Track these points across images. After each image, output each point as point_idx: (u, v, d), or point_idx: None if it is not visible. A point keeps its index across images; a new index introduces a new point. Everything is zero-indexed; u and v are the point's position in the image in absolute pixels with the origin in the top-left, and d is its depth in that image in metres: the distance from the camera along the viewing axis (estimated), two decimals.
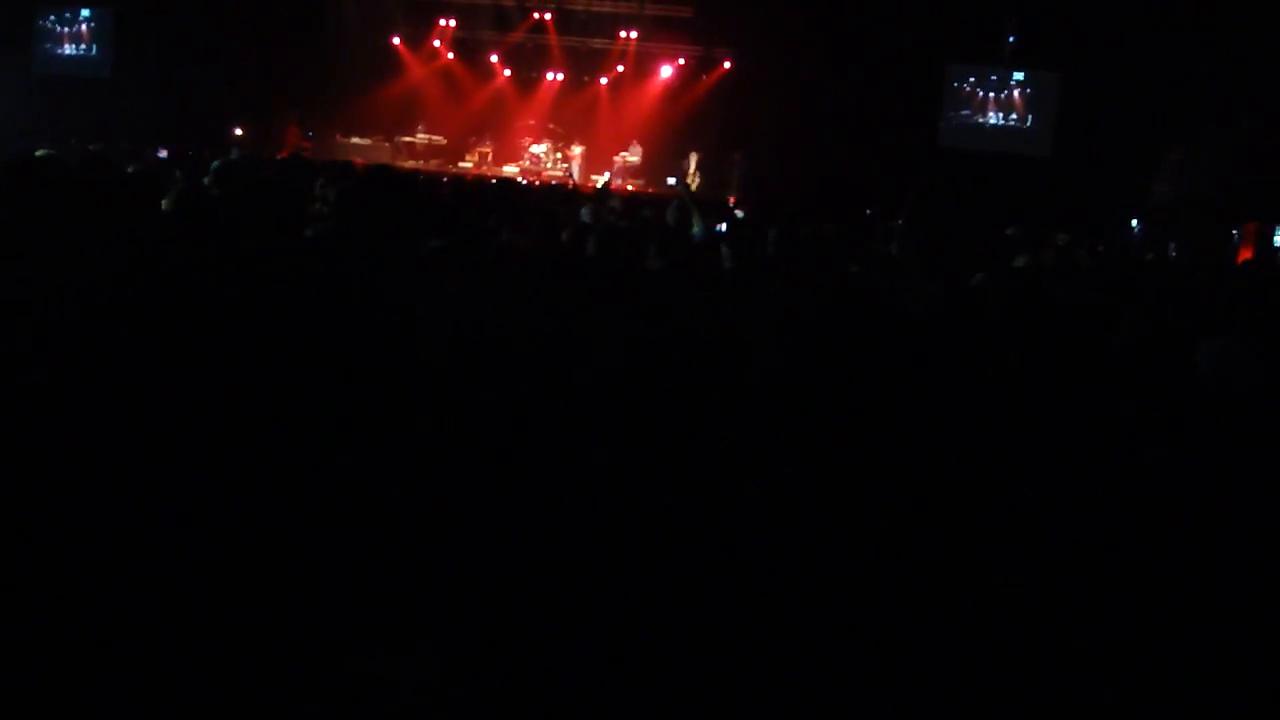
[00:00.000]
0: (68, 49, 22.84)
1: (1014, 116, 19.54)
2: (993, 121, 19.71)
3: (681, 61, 21.81)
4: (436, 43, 22.77)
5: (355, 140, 21.58)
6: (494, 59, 22.75)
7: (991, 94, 19.71)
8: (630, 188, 19.60)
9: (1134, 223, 16.96)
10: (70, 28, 22.79)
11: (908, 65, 18.49)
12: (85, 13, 22.69)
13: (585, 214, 7.75)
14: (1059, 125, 18.93)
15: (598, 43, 22.15)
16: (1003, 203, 16.53)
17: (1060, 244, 11.58)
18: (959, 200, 15.96)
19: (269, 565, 2.85)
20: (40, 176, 4.53)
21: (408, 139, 22.28)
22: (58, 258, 3.72)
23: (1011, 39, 19.24)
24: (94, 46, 22.69)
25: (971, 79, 19.76)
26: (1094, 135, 17.23)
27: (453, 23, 22.47)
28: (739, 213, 11.65)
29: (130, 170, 6.13)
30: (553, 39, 22.16)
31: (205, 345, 3.31)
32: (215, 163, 7.39)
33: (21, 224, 4.01)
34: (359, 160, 18.49)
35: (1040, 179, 17.98)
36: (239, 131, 19.73)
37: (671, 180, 18.18)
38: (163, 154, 12.40)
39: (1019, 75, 19.47)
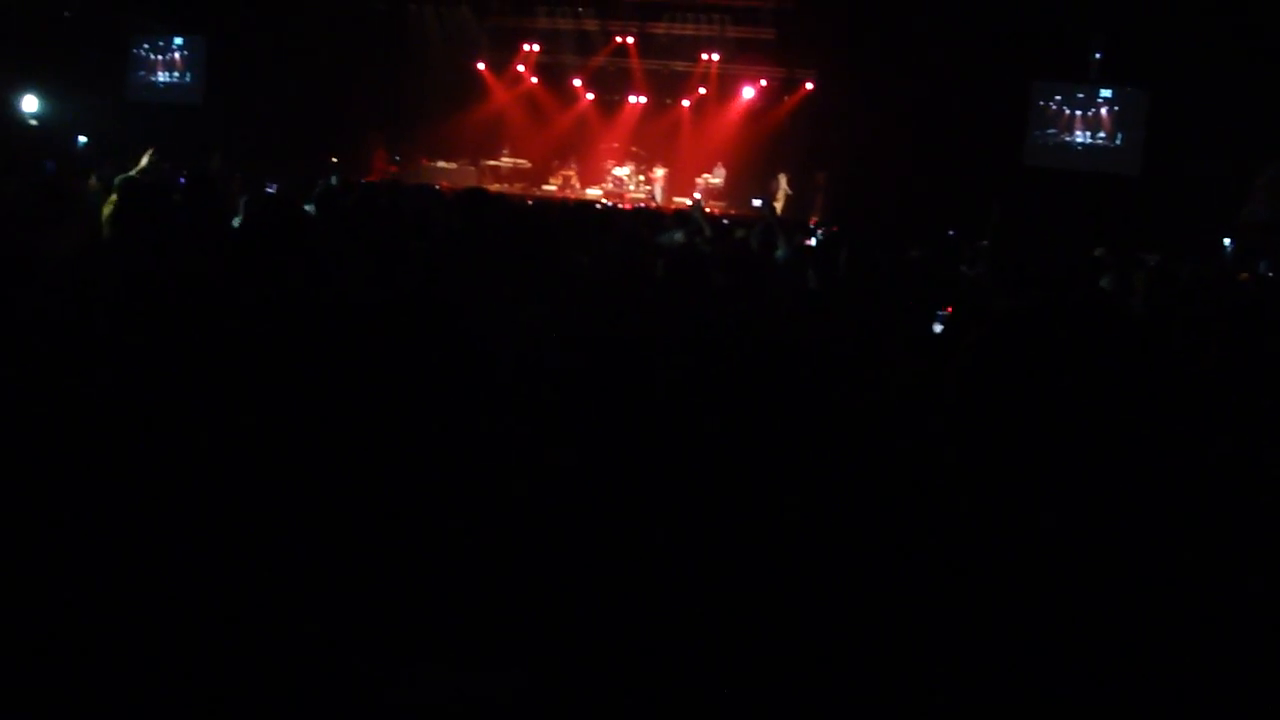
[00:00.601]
0: (161, 76, 23.50)
1: (1102, 134, 19.27)
2: (1080, 140, 19.45)
3: (764, 83, 21.86)
4: (520, 67, 23.06)
5: (441, 164, 21.89)
6: (577, 83, 22.97)
7: (1078, 112, 19.45)
8: (712, 209, 19.65)
9: (1226, 242, 16.60)
10: (164, 55, 23.45)
11: (992, 83, 18.33)
12: (178, 41, 23.32)
13: (677, 237, 7.75)
14: (1148, 143, 18.64)
15: (680, 65, 22.26)
16: (1090, 222, 16.33)
17: (1151, 264, 11.41)
18: (1044, 221, 15.84)
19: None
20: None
21: (492, 162, 22.56)
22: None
23: (1098, 55, 18.99)
24: (187, 74, 23.31)
25: (1058, 97, 19.53)
26: (1184, 153, 16.91)
27: (536, 47, 22.74)
28: (819, 233, 11.63)
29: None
30: (635, 62, 22.31)
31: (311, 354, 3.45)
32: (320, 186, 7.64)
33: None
34: (445, 184, 18.80)
35: (1129, 198, 17.71)
36: (335, 159, 20.10)
37: (757, 202, 18.18)
38: (272, 188, 12.73)
39: (1106, 93, 19.21)
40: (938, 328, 4.98)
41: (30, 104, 20.39)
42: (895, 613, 2.91)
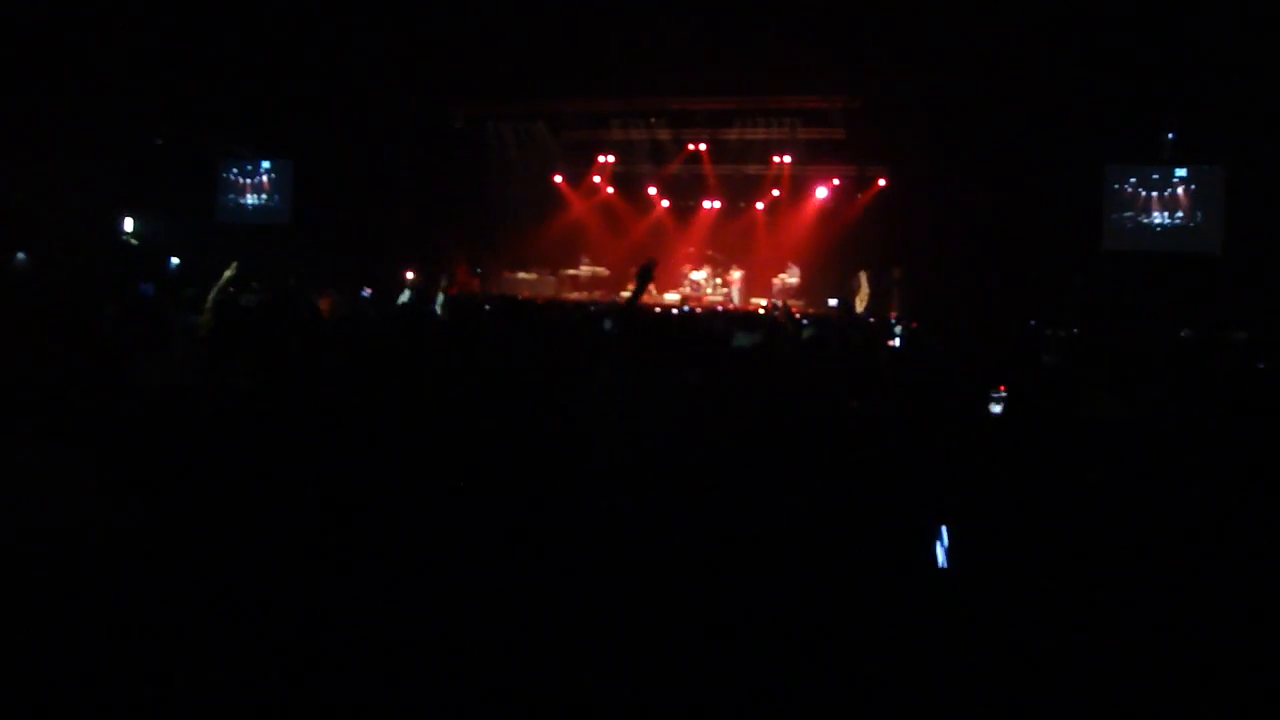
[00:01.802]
0: (249, 199, 24.37)
1: (1180, 214, 19.16)
2: (1158, 221, 19.34)
3: (836, 182, 22.07)
4: (596, 178, 23.53)
5: (522, 275, 22.27)
6: (652, 190, 23.38)
7: (1155, 193, 19.38)
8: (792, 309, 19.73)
9: None
10: (252, 179, 24.34)
11: (1066, 169, 18.36)
12: (265, 164, 24.19)
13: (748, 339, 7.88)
14: (1228, 220, 18.49)
15: (752, 169, 22.53)
16: (1174, 303, 16.19)
17: (1238, 341, 11.31)
18: (1128, 304, 15.73)
19: None
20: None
21: (571, 271, 22.90)
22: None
23: (1171, 135, 18.95)
24: (275, 196, 24.16)
25: (1133, 179, 19.47)
26: (1265, 228, 16.75)
27: (611, 158, 23.20)
28: (899, 329, 11.68)
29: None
30: (708, 168, 22.63)
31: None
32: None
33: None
34: (526, 294, 19.13)
35: (1212, 277, 17.54)
36: (410, 275, 20.55)
37: (833, 301, 18.27)
38: (366, 292, 13.34)
39: (1181, 172, 19.13)
40: (996, 408, 5.09)
41: (127, 226, 21.25)
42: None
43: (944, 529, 4.82)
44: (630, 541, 3.72)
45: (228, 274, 8.76)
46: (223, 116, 21.94)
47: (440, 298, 11.10)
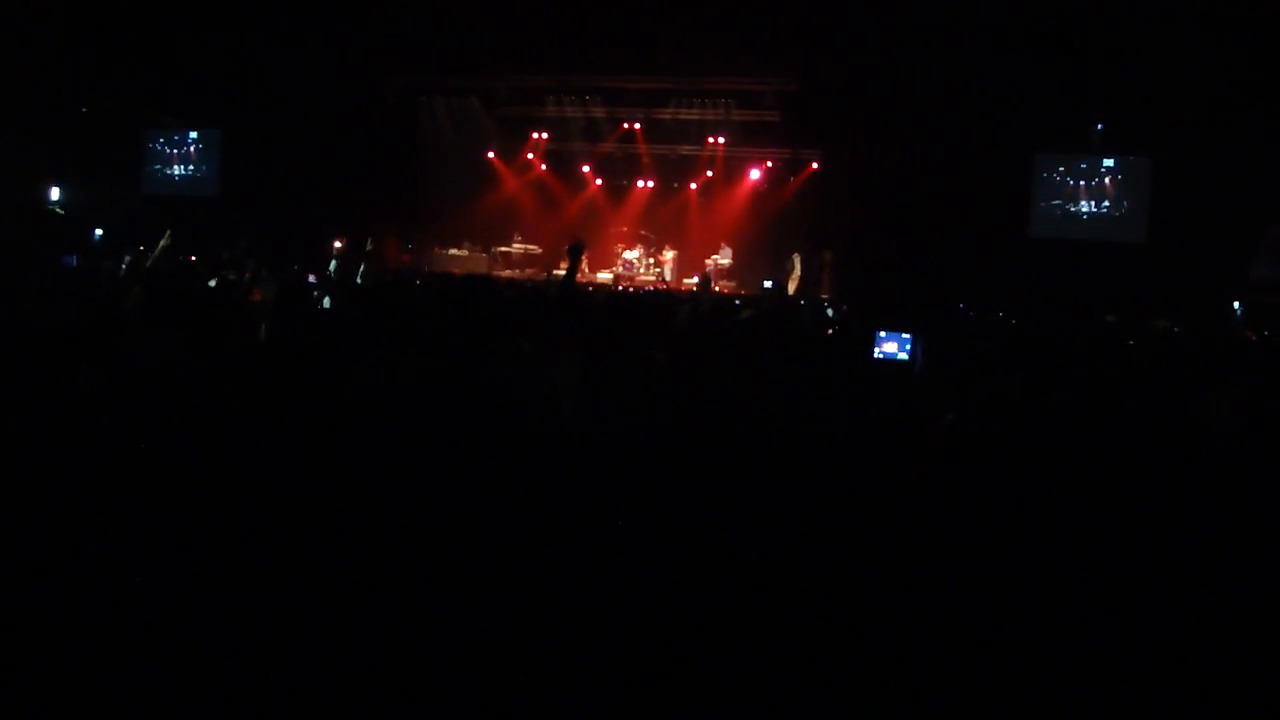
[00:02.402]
0: (176, 169, 23.93)
1: (1106, 203, 19.45)
2: (1085, 209, 19.62)
3: (770, 164, 22.13)
4: (530, 155, 23.38)
5: (453, 251, 22.08)
6: (586, 169, 23.29)
7: (1082, 182, 19.66)
8: (721, 288, 19.77)
9: (1235, 305, 16.68)
10: (179, 149, 23.89)
11: (996, 157, 18.56)
12: (193, 134, 23.77)
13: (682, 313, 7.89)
14: (1153, 210, 18.79)
15: (686, 149, 22.52)
16: (1100, 290, 16.43)
17: (1161, 329, 11.51)
18: (1054, 291, 15.95)
19: None
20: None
21: (504, 249, 22.77)
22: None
23: (1100, 126, 19.22)
24: (202, 166, 23.75)
25: (1061, 168, 19.74)
26: (1189, 218, 17.04)
27: (545, 135, 23.07)
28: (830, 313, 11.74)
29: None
30: (642, 148, 22.59)
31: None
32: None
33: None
34: (456, 270, 18.99)
35: (1137, 265, 17.82)
36: (338, 244, 20.35)
37: (768, 283, 18.33)
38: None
39: (1109, 162, 19.42)
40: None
41: (54, 194, 20.84)
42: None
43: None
44: (608, 531, 3.70)
45: (163, 243, 8.62)
46: (149, 85, 21.53)
47: (362, 267, 10.92)
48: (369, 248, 13.58)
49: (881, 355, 6.21)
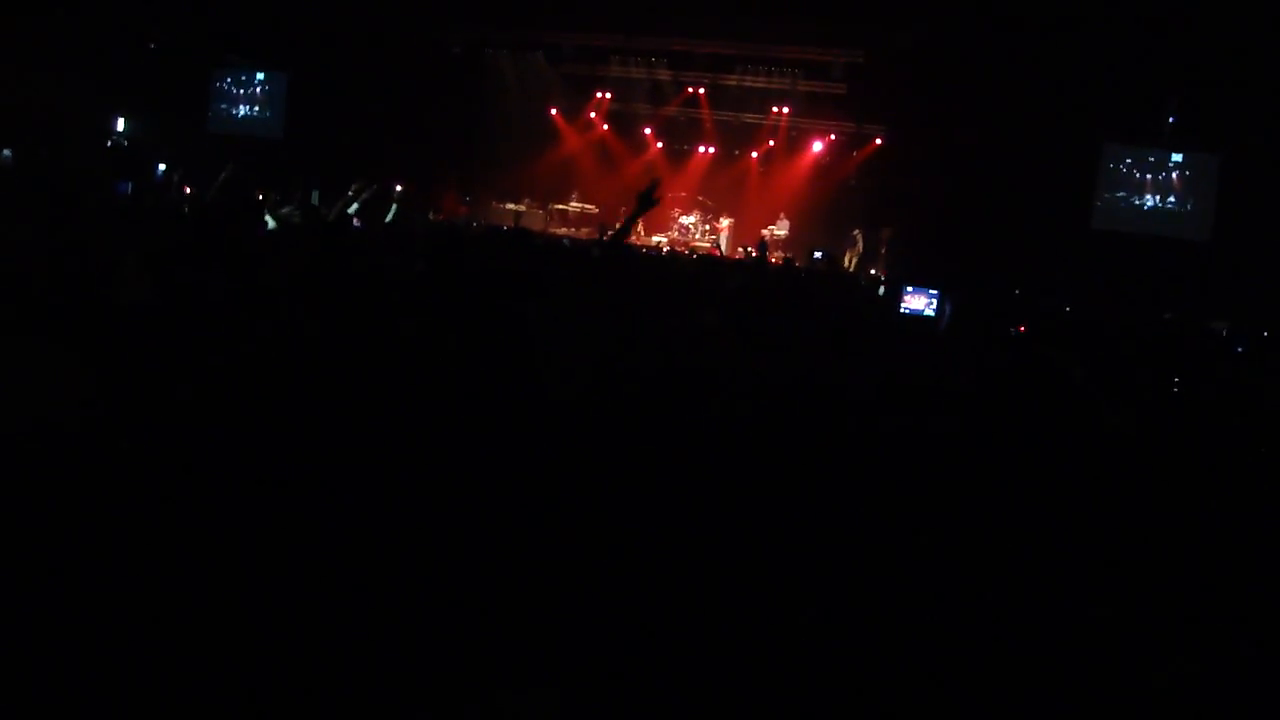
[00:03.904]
0: (243, 110, 24.10)
1: (1172, 199, 19.11)
2: (1150, 204, 19.30)
3: (832, 137, 21.94)
4: (592, 114, 23.32)
5: (511, 206, 22.11)
6: (647, 131, 23.21)
7: (1149, 175, 19.30)
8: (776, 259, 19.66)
9: None
10: (246, 90, 24.05)
11: (1064, 143, 18.29)
12: (260, 76, 23.91)
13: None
14: (1219, 208, 18.46)
15: (750, 117, 22.37)
16: (1159, 287, 16.21)
17: (1219, 330, 11.38)
18: (1113, 284, 15.74)
19: None
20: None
21: (561, 206, 22.74)
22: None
23: (1171, 119, 18.87)
24: (268, 109, 23.89)
25: (1129, 160, 19.41)
26: (1256, 219, 16.74)
27: (609, 95, 23.01)
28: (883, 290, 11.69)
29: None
30: (705, 113, 22.48)
31: None
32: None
33: None
34: (508, 225, 19.04)
35: (1199, 263, 17.54)
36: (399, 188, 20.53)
37: (818, 254, 18.20)
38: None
39: (1177, 157, 19.06)
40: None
41: (119, 127, 21.12)
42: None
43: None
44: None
45: (224, 175, 8.69)
46: (217, 25, 21.68)
47: (394, 208, 10.93)
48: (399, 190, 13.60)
49: (907, 310, 6.18)
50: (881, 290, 11.17)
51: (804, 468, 4.03)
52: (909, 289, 6.07)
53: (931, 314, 5.55)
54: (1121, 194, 19.40)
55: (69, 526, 2.94)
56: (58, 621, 2.71)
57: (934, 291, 5.72)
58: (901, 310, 6.20)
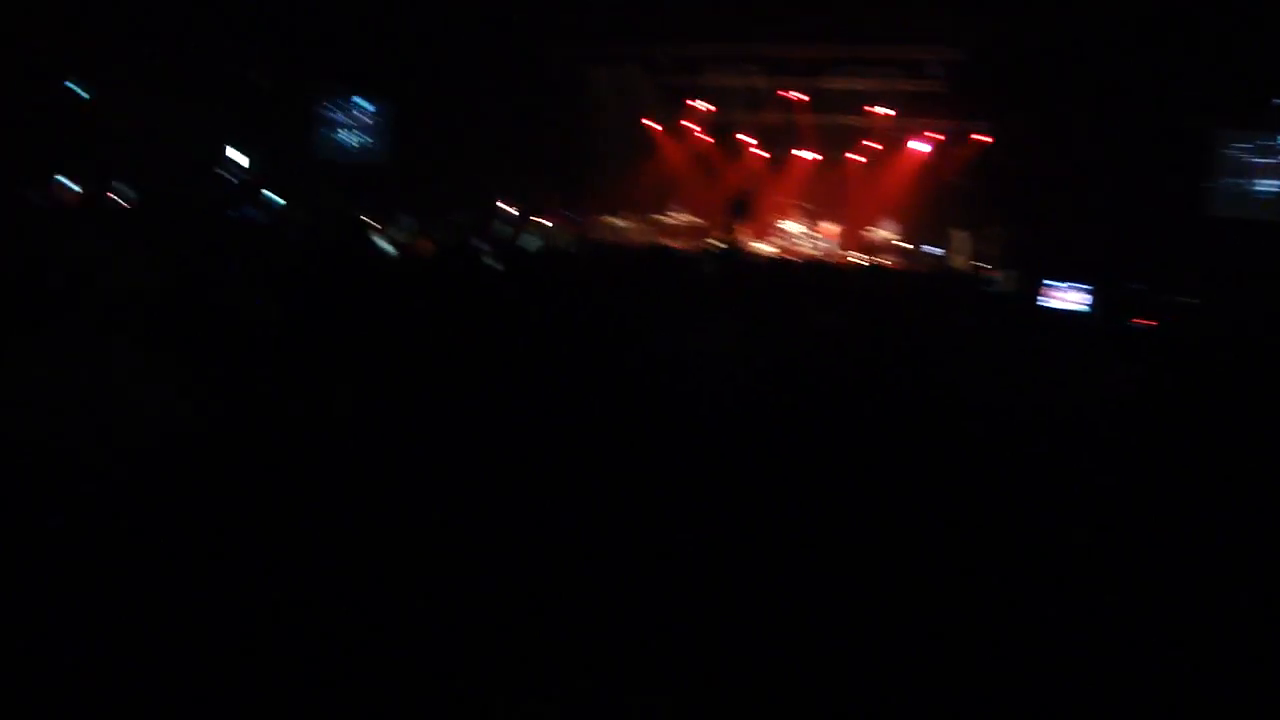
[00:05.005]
0: (348, 138, 24.63)
1: None
2: (1264, 188, 18.86)
3: (935, 136, 21.72)
4: (690, 124, 23.38)
5: (613, 220, 22.23)
6: (746, 139, 23.19)
7: (1262, 159, 18.87)
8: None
9: None
10: (351, 118, 24.65)
11: (1174, 131, 17.95)
12: (364, 104, 24.48)
13: None
14: None
15: (849, 120, 22.22)
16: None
17: None
18: (1234, 270, 15.41)
19: None
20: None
21: (664, 217, 22.81)
22: None
23: (1276, 101, 18.43)
24: (373, 135, 24.40)
25: (1241, 145, 18.99)
26: None
27: (706, 104, 23.04)
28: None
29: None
30: (803, 118, 22.40)
31: None
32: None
33: None
34: (615, 238, 19.18)
35: None
36: (513, 210, 20.98)
37: (927, 249, 18.07)
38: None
39: None
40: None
41: (232, 156, 21.82)
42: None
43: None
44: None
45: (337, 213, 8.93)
46: (323, 56, 22.18)
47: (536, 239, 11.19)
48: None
49: (1055, 307, 6.10)
50: (1007, 286, 11.05)
51: (966, 476, 4.01)
52: (1052, 284, 6.00)
53: (1087, 309, 5.49)
54: (1237, 180, 18.98)
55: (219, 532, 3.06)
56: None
57: (1087, 286, 5.66)
58: (1044, 306, 6.14)
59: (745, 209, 6.08)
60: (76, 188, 16.70)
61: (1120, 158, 17.52)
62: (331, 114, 24.80)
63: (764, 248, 21.01)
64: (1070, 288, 5.93)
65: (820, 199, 22.27)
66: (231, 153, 22.10)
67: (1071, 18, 17.13)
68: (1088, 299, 5.87)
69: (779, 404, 4.44)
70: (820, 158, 22.84)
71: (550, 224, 21.36)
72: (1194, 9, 16.43)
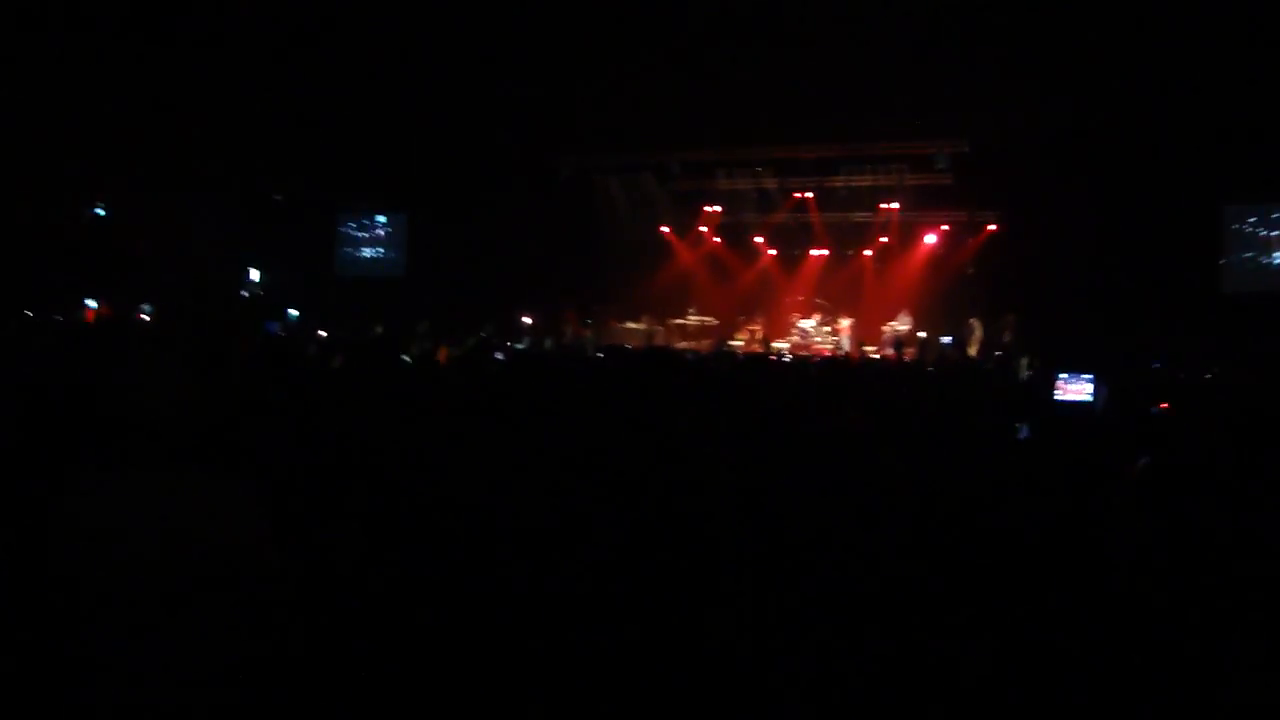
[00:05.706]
0: (366, 252, 25.08)
1: None
2: (1279, 261, 18.86)
3: (945, 227, 21.86)
4: (703, 228, 23.63)
5: (630, 324, 22.36)
6: (759, 240, 23.42)
7: (1275, 232, 18.88)
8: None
9: None
10: (368, 232, 25.05)
11: (1182, 210, 17.99)
12: (381, 219, 24.89)
13: None
14: None
15: (859, 216, 22.46)
16: None
17: None
18: (1250, 348, 15.34)
19: None
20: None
21: (679, 321, 22.93)
22: None
23: None
24: (391, 248, 24.84)
25: (1252, 219, 19.03)
26: None
27: (718, 208, 23.32)
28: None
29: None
30: (815, 216, 22.63)
31: None
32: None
33: None
34: (635, 343, 19.27)
35: None
36: (528, 320, 21.13)
37: (946, 340, 18.07)
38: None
39: None
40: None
41: (254, 276, 22.18)
42: None
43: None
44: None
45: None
46: (339, 172, 22.59)
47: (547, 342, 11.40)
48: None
49: (1066, 399, 6.13)
50: (1022, 375, 11.06)
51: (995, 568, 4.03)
52: (1064, 377, 6.01)
53: (1089, 399, 5.51)
54: (1249, 254, 18.99)
55: None
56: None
57: (1088, 376, 5.68)
58: (1058, 398, 6.16)
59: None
60: (99, 306, 17.02)
61: (1130, 239, 17.56)
62: (350, 230, 25.23)
63: (781, 345, 21.07)
64: (1073, 379, 5.95)
65: (835, 295, 22.37)
66: (253, 272, 22.52)
67: (1074, 104, 17.31)
68: (1090, 389, 5.88)
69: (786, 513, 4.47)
70: (832, 254, 22.98)
71: (568, 330, 21.53)
72: (1194, 89, 16.57)
